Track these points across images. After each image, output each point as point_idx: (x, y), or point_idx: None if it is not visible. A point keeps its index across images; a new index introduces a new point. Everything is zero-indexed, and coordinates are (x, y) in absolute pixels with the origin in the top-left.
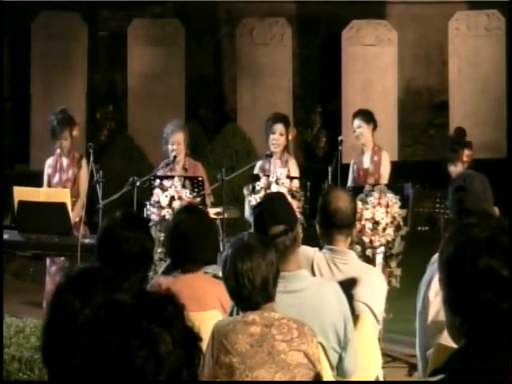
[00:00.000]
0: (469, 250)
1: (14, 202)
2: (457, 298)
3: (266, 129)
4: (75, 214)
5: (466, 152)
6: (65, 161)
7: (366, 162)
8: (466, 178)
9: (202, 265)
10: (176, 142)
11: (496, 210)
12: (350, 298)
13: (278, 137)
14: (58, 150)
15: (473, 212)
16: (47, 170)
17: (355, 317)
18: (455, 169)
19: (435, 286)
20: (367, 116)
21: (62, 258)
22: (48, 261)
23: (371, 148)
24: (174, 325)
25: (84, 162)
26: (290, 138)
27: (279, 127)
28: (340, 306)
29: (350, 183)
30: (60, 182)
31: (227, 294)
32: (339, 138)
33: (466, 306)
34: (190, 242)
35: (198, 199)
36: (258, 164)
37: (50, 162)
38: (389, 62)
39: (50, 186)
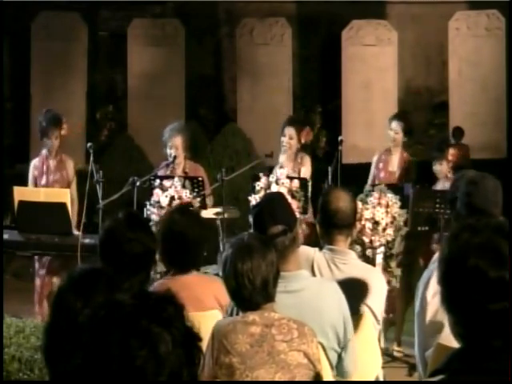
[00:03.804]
0: (462, 250)
1: (14, 202)
2: (451, 297)
3: (281, 130)
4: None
5: (451, 151)
6: (52, 163)
7: (394, 166)
8: (480, 175)
9: (195, 265)
10: (174, 147)
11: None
12: (350, 298)
13: (288, 140)
14: (44, 152)
15: (478, 209)
16: (33, 172)
17: (355, 317)
18: (440, 168)
19: (433, 286)
20: (407, 125)
21: (49, 258)
22: (37, 263)
23: (399, 152)
24: (174, 325)
25: (71, 165)
26: (303, 140)
27: (289, 130)
28: (339, 306)
29: (370, 181)
30: (47, 183)
31: (223, 290)
32: (339, 138)
33: (459, 306)
34: (182, 243)
35: (198, 199)
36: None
37: (35, 163)
38: (389, 62)
39: (35, 187)
